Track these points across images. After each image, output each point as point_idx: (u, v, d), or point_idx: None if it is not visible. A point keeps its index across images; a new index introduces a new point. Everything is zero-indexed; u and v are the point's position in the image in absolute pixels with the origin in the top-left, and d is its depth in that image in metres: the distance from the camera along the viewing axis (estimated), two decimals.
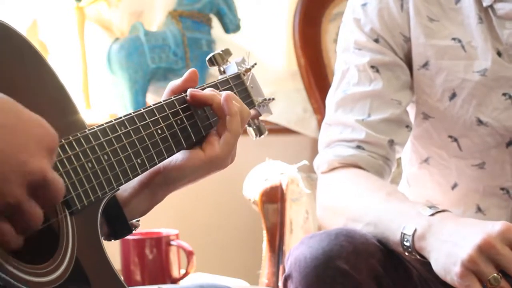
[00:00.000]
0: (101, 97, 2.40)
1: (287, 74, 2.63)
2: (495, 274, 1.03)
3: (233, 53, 1.16)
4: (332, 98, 1.39)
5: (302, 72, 2.58)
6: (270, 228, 2.13)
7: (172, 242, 1.88)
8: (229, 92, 0.99)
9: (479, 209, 1.36)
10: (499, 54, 1.30)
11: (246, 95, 1.12)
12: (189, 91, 0.99)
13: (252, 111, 1.14)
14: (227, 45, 2.52)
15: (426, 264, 1.13)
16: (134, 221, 0.99)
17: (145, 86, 2.35)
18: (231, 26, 2.47)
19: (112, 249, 1.03)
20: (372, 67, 1.34)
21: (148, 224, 1.82)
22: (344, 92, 1.36)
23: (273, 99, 1.19)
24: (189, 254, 1.85)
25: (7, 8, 2.19)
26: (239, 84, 1.11)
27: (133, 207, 0.97)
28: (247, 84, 1.12)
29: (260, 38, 2.62)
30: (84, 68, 2.32)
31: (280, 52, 2.64)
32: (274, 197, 2.11)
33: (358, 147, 1.33)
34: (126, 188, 0.97)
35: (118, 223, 0.95)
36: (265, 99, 1.16)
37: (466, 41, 1.31)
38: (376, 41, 1.35)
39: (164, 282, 1.87)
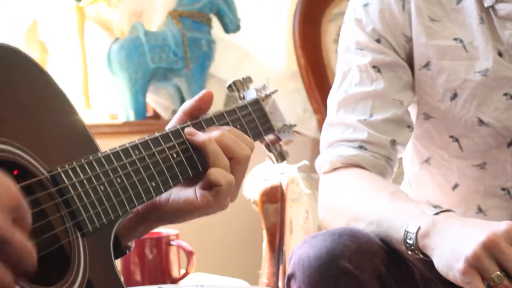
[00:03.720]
0: (101, 97, 2.40)
1: (287, 74, 2.63)
2: (498, 272, 1.03)
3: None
4: (333, 98, 1.39)
5: (302, 72, 2.58)
6: (270, 228, 2.13)
7: (172, 242, 1.88)
8: (204, 143, 0.96)
9: (480, 210, 1.36)
10: (500, 54, 1.30)
11: (265, 120, 1.12)
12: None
13: (272, 136, 1.14)
14: (227, 45, 2.53)
15: (429, 263, 1.13)
16: (128, 243, 0.99)
17: (145, 86, 2.35)
18: (231, 26, 2.47)
19: None
20: (374, 67, 1.34)
21: None
22: (346, 92, 1.36)
23: (295, 125, 1.19)
24: (189, 254, 1.85)
25: (7, 8, 2.19)
26: (257, 110, 1.11)
27: (128, 237, 0.97)
28: (266, 109, 1.12)
29: (260, 38, 2.62)
30: (84, 68, 2.32)
31: (280, 52, 2.64)
32: (274, 197, 2.12)
33: (360, 147, 1.33)
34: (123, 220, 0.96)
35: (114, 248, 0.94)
36: (285, 125, 1.16)
37: (467, 42, 1.31)
38: (378, 41, 1.34)
39: (164, 282, 1.87)
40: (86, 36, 2.33)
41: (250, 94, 1.13)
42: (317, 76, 2.56)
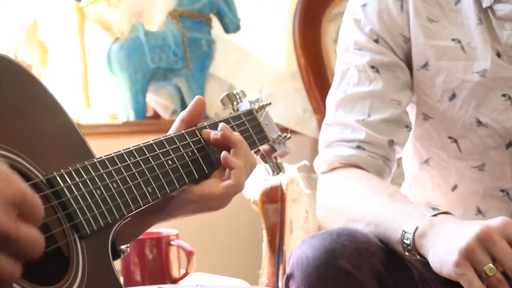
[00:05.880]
0: (101, 97, 2.40)
1: (287, 74, 2.63)
2: (491, 265, 1.03)
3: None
4: (332, 98, 1.39)
5: (302, 72, 2.58)
6: (270, 228, 2.13)
7: (172, 242, 1.88)
8: (240, 141, 1.01)
9: (479, 211, 1.36)
10: (498, 55, 1.30)
11: (259, 130, 1.13)
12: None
13: (267, 147, 1.15)
14: (227, 45, 2.54)
15: (427, 264, 1.12)
16: (123, 247, 1.00)
17: (145, 86, 2.35)
18: (231, 26, 2.47)
19: None
20: (372, 67, 1.34)
21: None
22: (344, 92, 1.36)
23: (289, 137, 1.20)
24: (189, 254, 1.85)
25: (7, 8, 2.20)
26: (251, 120, 1.12)
27: (126, 234, 0.98)
28: (260, 120, 1.13)
29: (260, 38, 2.62)
30: (84, 68, 2.32)
31: (280, 52, 2.65)
32: (274, 197, 2.12)
33: (358, 147, 1.33)
34: None
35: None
36: (280, 135, 1.17)
37: (465, 42, 1.31)
38: (376, 41, 1.35)
39: (164, 282, 1.87)
40: (86, 36, 2.33)
41: (244, 106, 1.14)
42: (317, 76, 2.57)
